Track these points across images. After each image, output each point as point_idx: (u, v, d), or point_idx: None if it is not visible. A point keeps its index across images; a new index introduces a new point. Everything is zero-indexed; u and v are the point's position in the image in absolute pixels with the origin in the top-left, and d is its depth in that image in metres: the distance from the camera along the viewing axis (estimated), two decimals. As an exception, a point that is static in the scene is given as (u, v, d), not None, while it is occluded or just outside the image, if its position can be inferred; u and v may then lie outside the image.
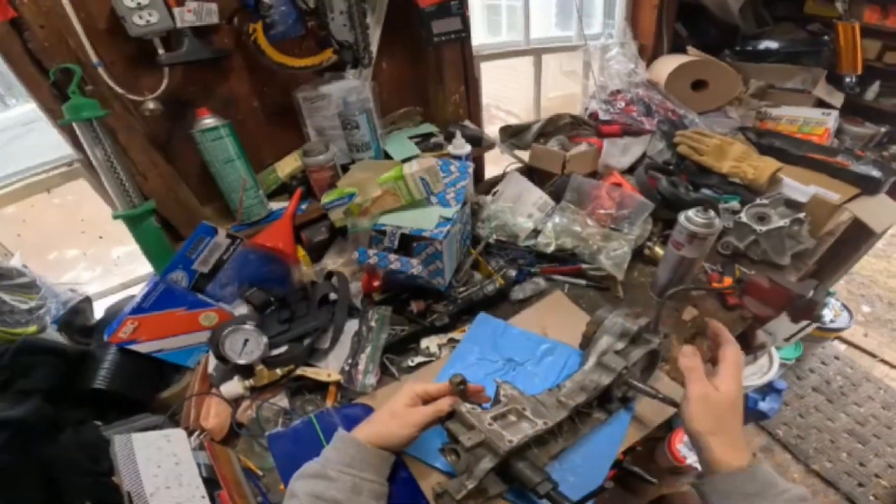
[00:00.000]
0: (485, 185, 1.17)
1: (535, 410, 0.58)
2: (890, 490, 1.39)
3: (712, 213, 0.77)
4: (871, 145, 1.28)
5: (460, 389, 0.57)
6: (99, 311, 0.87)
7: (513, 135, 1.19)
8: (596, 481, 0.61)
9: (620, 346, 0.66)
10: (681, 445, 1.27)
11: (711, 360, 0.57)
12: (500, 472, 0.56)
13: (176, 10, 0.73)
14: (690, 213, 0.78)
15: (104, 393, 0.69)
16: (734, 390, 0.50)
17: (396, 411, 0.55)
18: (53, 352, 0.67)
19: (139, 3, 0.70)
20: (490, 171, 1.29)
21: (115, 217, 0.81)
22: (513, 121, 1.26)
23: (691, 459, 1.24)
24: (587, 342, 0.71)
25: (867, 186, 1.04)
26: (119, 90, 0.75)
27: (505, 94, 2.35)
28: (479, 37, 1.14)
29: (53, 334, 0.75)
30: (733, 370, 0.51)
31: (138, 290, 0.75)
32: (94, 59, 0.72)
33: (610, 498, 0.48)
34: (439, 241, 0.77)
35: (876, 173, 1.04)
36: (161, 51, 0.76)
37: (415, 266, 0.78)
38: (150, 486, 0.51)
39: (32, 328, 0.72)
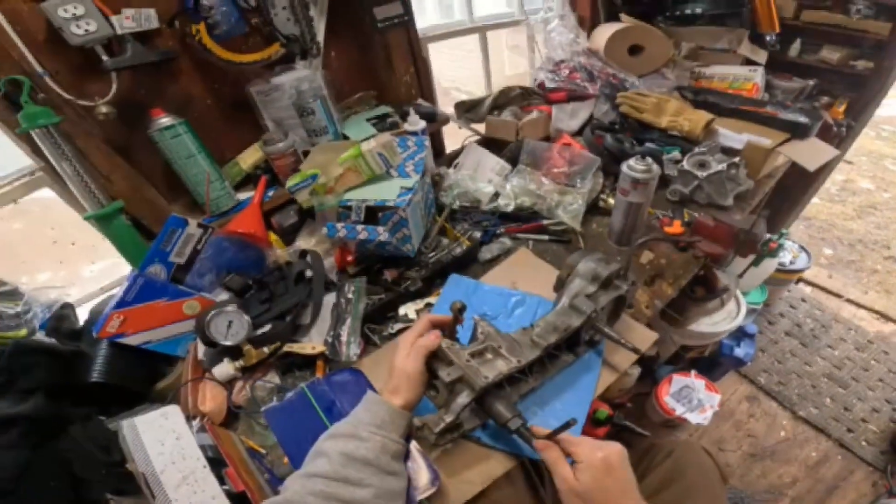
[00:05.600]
0: (446, 160, 1.31)
1: (510, 348, 0.66)
2: (880, 434, 1.52)
3: (650, 160, 0.94)
4: (802, 97, 1.51)
5: (459, 316, 0.65)
6: (82, 316, 0.95)
7: (468, 110, 1.35)
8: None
9: (591, 289, 0.74)
10: (668, 398, 1.41)
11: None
12: (474, 409, 0.65)
13: (114, 18, 0.81)
14: (631, 162, 0.94)
15: (103, 388, 0.75)
16: (590, 478, 0.51)
17: (407, 371, 0.60)
18: (48, 351, 0.74)
19: (74, 14, 0.77)
20: (450, 147, 1.44)
21: (86, 218, 0.88)
22: (473, 101, 1.40)
23: (680, 411, 1.39)
24: (561, 285, 0.80)
25: (796, 131, 1.24)
26: (68, 96, 0.82)
27: (462, 77, 2.55)
28: (431, 19, 1.29)
29: (42, 338, 0.81)
30: (587, 463, 0.52)
31: (119, 288, 0.83)
32: (38, 69, 0.79)
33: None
34: (402, 208, 0.90)
35: (803, 119, 1.24)
36: (105, 57, 0.83)
37: (381, 233, 0.90)
38: (160, 465, 0.57)
39: (23, 332, 0.80)
